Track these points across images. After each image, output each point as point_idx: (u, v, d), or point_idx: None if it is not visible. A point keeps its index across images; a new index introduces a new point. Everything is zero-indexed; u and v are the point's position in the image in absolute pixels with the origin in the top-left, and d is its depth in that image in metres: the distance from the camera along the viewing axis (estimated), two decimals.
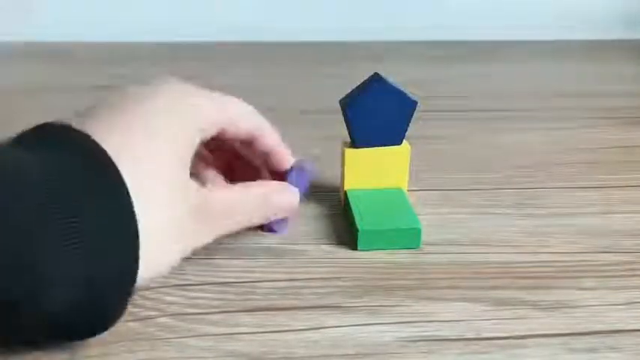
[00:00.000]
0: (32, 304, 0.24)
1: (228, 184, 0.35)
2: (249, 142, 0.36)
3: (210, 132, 0.33)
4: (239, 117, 0.35)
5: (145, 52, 0.77)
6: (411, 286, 0.32)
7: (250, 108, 0.36)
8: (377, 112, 0.37)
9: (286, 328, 0.29)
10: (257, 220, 0.35)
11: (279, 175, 0.37)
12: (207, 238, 0.32)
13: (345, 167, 0.38)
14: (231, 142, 0.37)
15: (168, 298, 0.31)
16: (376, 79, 0.37)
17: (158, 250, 0.28)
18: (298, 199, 0.37)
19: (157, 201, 0.28)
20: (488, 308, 0.31)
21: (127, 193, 0.26)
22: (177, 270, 0.34)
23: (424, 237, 0.36)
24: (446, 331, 0.29)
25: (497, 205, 0.41)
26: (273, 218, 0.36)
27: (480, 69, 0.71)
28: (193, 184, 0.31)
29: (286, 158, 0.38)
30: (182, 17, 0.81)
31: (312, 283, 0.33)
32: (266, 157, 0.37)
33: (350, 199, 0.38)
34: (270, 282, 0.33)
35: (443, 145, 0.49)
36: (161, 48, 0.79)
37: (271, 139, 0.37)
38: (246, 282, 0.33)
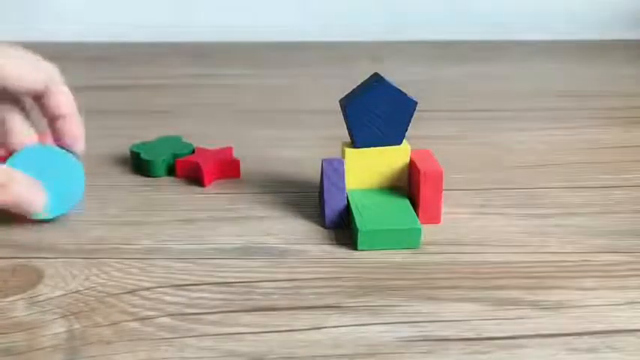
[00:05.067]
0: None
1: None
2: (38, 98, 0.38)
3: None
4: (19, 72, 0.36)
5: (145, 52, 0.77)
6: (411, 286, 0.32)
7: (36, 63, 0.38)
8: (377, 112, 0.37)
9: (286, 328, 0.29)
10: None
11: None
12: None
13: (346, 167, 0.38)
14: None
15: (168, 298, 0.31)
16: (376, 79, 0.37)
17: None
18: (41, 202, 0.37)
19: None
20: (488, 308, 0.31)
21: None
22: (177, 270, 0.34)
23: (424, 237, 0.36)
24: (446, 331, 0.29)
25: (497, 205, 0.41)
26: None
27: (480, 69, 0.71)
28: None
29: (75, 127, 0.38)
30: (182, 18, 0.81)
31: (312, 283, 0.33)
32: (54, 121, 0.38)
33: (350, 199, 0.38)
34: (270, 282, 0.33)
35: (443, 145, 0.49)
36: (161, 48, 0.79)
37: (58, 100, 0.38)
38: (246, 282, 0.33)
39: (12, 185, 0.35)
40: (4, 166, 0.36)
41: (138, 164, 0.45)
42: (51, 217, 0.38)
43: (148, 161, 0.44)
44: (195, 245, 0.36)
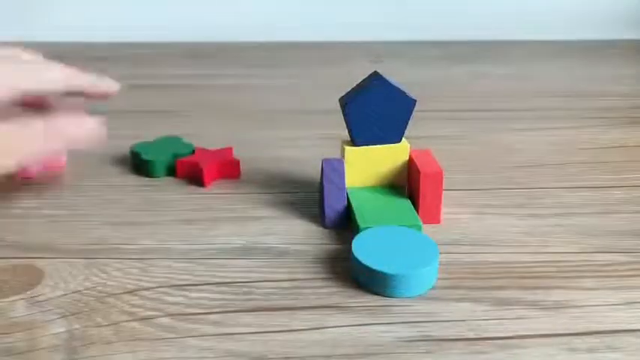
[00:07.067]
0: None
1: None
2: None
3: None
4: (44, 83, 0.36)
5: (145, 52, 0.77)
6: None
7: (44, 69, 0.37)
8: (376, 111, 0.38)
9: (286, 328, 0.29)
10: (42, 153, 0.35)
11: None
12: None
13: (346, 165, 0.38)
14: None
15: (168, 298, 0.31)
16: (376, 78, 0.37)
17: None
18: (95, 127, 0.37)
19: None
20: (489, 308, 0.31)
21: None
22: (177, 270, 0.34)
23: None
24: (446, 331, 0.29)
25: (497, 205, 0.41)
26: (64, 149, 0.37)
27: (480, 69, 0.71)
28: None
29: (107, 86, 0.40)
30: (182, 18, 0.81)
31: (312, 283, 0.33)
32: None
33: (350, 197, 0.38)
34: (270, 282, 0.33)
35: (443, 145, 0.49)
36: (161, 48, 0.79)
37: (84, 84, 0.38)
38: (246, 282, 0.33)
39: None
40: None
41: (138, 164, 0.45)
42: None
43: (148, 161, 0.44)
44: (195, 245, 0.36)
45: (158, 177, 0.44)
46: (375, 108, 0.37)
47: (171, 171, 0.45)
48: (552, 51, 0.78)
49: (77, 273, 0.33)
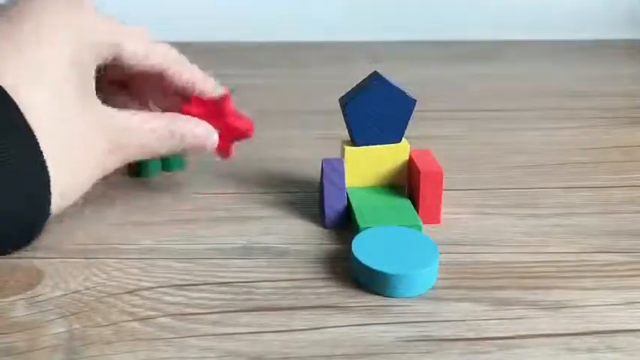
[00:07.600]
0: None
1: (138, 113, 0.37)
2: (162, 77, 0.39)
3: (103, 49, 0.36)
4: (143, 48, 0.39)
5: None
6: None
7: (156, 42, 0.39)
8: (376, 110, 0.38)
9: (286, 328, 0.29)
10: (166, 152, 0.38)
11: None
12: (114, 166, 0.36)
13: (346, 165, 0.38)
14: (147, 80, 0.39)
15: (168, 298, 0.31)
16: (375, 78, 0.38)
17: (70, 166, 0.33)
18: (214, 135, 0.39)
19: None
20: (489, 308, 0.31)
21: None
22: (177, 270, 0.34)
23: None
24: (446, 331, 0.29)
25: (497, 205, 0.41)
26: (186, 149, 0.39)
27: (480, 69, 0.71)
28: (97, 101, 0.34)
29: (212, 85, 0.40)
30: (182, 18, 0.81)
31: (312, 283, 0.33)
32: (189, 89, 0.40)
33: (350, 197, 0.38)
34: (270, 282, 0.33)
35: (442, 145, 0.49)
36: None
37: (189, 70, 0.40)
38: (246, 282, 0.33)
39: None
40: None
41: (137, 163, 0.45)
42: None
43: (143, 160, 0.44)
44: (195, 245, 0.36)
45: (148, 176, 0.44)
46: (375, 108, 0.38)
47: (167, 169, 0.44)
48: (551, 51, 0.78)
49: (77, 273, 0.33)
